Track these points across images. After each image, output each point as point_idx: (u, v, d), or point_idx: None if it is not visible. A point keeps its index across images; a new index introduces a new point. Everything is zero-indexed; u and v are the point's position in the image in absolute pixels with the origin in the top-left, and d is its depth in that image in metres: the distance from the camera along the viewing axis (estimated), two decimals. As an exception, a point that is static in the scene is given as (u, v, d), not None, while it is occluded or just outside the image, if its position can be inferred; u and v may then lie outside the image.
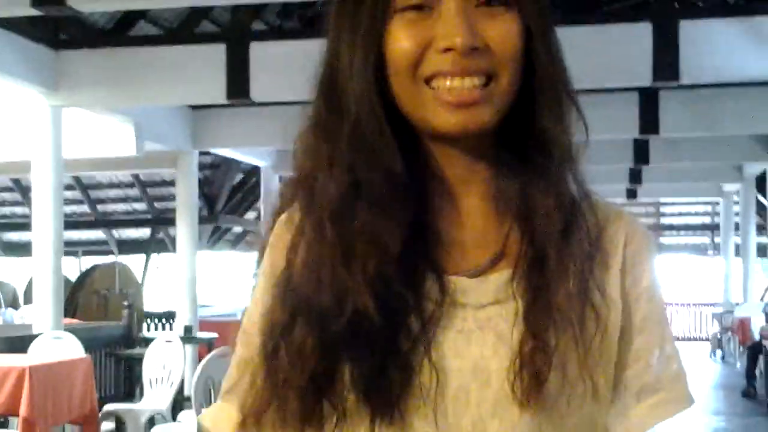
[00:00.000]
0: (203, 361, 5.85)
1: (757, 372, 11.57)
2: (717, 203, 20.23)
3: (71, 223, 18.04)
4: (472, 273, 1.00)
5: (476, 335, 0.98)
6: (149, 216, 17.21)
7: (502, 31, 0.97)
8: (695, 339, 20.67)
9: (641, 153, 12.65)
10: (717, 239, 20.67)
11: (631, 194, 16.70)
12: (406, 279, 0.96)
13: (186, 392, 8.22)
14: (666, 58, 7.49)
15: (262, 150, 13.37)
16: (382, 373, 0.94)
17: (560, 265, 0.97)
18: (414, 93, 0.97)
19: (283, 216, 1.06)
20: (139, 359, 7.75)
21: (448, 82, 0.96)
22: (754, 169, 15.22)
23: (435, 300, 0.97)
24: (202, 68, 8.24)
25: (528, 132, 1.00)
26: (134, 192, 16.84)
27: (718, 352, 17.16)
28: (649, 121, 10.25)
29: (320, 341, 0.94)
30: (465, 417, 0.96)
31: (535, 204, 0.99)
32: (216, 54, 8.12)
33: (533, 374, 0.94)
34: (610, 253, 1.02)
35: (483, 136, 0.99)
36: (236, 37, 8.33)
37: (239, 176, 16.48)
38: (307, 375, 0.94)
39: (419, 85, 0.97)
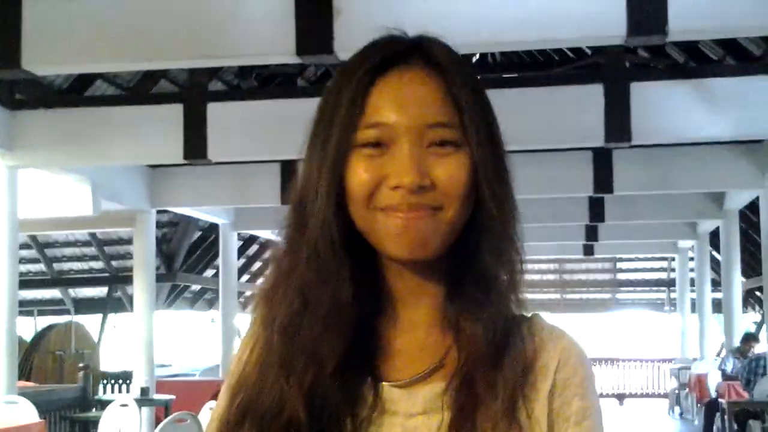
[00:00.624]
0: (159, 427, 5.80)
1: (715, 429, 11.63)
2: (672, 259, 20.46)
3: (26, 282, 17.88)
4: (407, 382, 1.07)
5: None
6: (106, 274, 17.05)
7: (449, 171, 1.05)
8: (653, 395, 20.67)
9: (597, 211, 12.80)
10: (673, 295, 20.88)
11: (588, 251, 16.87)
12: (343, 386, 1.05)
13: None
14: (618, 120, 7.61)
15: (221, 208, 13.36)
16: None
17: (489, 385, 1.04)
18: (369, 220, 1.06)
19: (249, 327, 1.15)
20: (94, 422, 7.64)
21: (397, 215, 1.04)
22: (707, 225, 15.43)
23: (368, 406, 1.06)
24: (160, 128, 8.24)
25: (469, 264, 1.09)
26: (91, 250, 16.70)
27: (677, 409, 17.23)
28: (603, 179, 10.39)
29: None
30: None
31: (467, 333, 1.07)
32: (173, 114, 8.13)
33: None
34: (540, 377, 1.08)
35: (432, 262, 1.07)
36: (194, 97, 8.36)
37: (197, 234, 16.42)
38: None
39: (373, 214, 1.06)
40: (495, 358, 1.06)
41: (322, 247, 1.07)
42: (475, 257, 1.08)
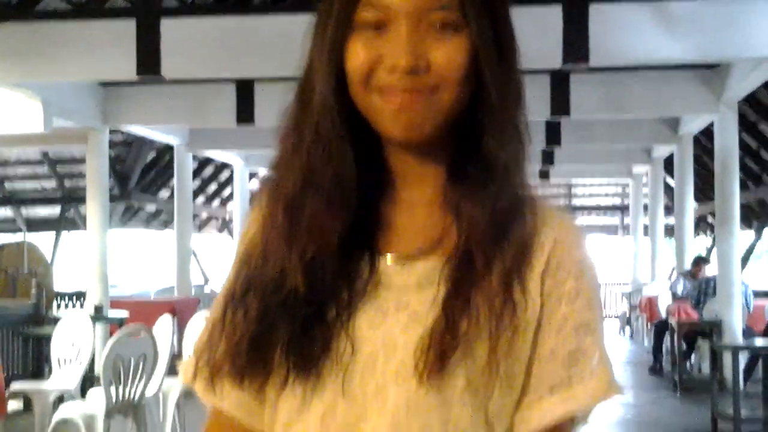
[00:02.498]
0: (112, 339, 5.79)
1: (664, 349, 11.87)
2: (627, 185, 20.66)
3: (-22, 201, 17.65)
4: (404, 257, 1.10)
5: (392, 314, 1.08)
6: (59, 194, 16.86)
7: (447, 54, 1.06)
8: (605, 317, 21.06)
9: (553, 134, 12.82)
10: (626, 220, 21.14)
11: (544, 175, 16.94)
12: (341, 260, 1.09)
13: (96, 372, 8.13)
14: (576, 41, 7.57)
15: (176, 128, 13.22)
16: (306, 337, 1.07)
17: (486, 262, 1.06)
18: (367, 101, 1.08)
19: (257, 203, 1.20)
20: (47, 338, 7.61)
21: (393, 96, 1.06)
22: (662, 151, 15.58)
23: (364, 279, 1.10)
24: (112, 44, 8.08)
25: (471, 146, 1.11)
26: (43, 170, 16.47)
27: (627, 330, 17.56)
28: (561, 103, 10.38)
29: (263, 309, 1.09)
30: (370, 383, 1.07)
31: (468, 213, 1.09)
32: (126, 29, 7.95)
33: (438, 354, 1.03)
34: (536, 255, 1.10)
35: (433, 144, 1.10)
36: (147, 12, 8.18)
37: (152, 154, 16.25)
38: (251, 333, 1.08)
39: (371, 95, 1.08)
40: (494, 237, 1.07)
41: (324, 127, 1.10)
42: (477, 139, 1.10)
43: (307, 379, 1.08)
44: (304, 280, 1.07)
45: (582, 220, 22.89)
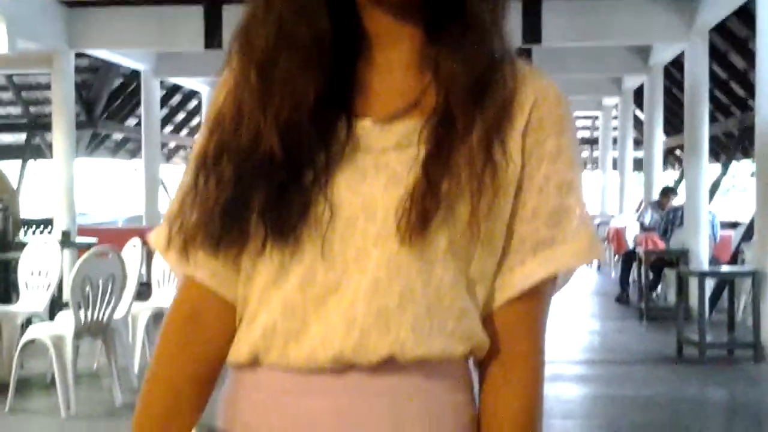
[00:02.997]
0: (80, 260, 5.73)
1: (630, 279, 11.97)
2: (596, 117, 20.68)
3: (-59, 127, 17.35)
4: (382, 118, 1.07)
5: (371, 175, 1.05)
6: (24, 121, 16.62)
7: None
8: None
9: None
10: (596, 153, 21.20)
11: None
12: (317, 122, 1.05)
13: (65, 297, 8.08)
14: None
15: (143, 53, 13.04)
16: (283, 201, 1.04)
17: (466, 121, 1.03)
18: None
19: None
20: (14, 263, 7.54)
21: None
22: (632, 82, 15.58)
23: (341, 142, 1.06)
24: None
25: (451, 7, 1.06)
26: (8, 95, 16.21)
27: (594, 262, 17.69)
28: (532, 30, 10.33)
29: (237, 174, 1.05)
30: (350, 246, 1.04)
31: (447, 71, 1.05)
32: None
33: (420, 214, 1.01)
34: (516, 115, 1.07)
35: (410, 3, 1.05)
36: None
37: (119, 81, 16.02)
38: (225, 198, 1.05)
39: None
40: (474, 96, 1.05)
41: None
42: None
43: (285, 244, 1.04)
44: (279, 143, 1.03)
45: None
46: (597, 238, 1.11)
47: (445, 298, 1.05)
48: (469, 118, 1.04)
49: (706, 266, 9.72)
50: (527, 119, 1.07)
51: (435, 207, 1.01)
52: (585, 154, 22.73)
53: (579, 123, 22.36)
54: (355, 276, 1.03)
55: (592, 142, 22.09)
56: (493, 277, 1.09)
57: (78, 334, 5.66)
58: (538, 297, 1.10)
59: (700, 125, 10.35)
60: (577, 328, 9.40)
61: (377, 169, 1.05)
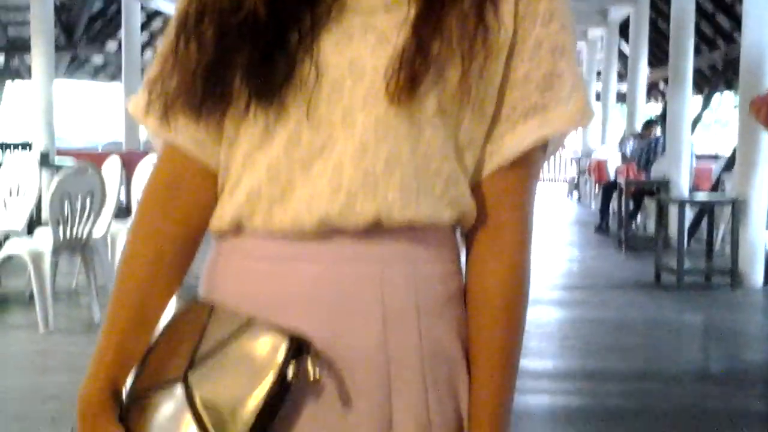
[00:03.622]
0: (58, 176, 5.68)
1: (611, 210, 12.02)
2: (580, 50, 20.55)
3: None
4: None
5: (358, 36, 1.01)
6: (3, 42, 16.38)
7: None
8: (554, 181, 21.40)
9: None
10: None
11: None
12: None
13: (43, 217, 8.03)
14: None
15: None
16: (267, 62, 1.00)
17: None
18: None
19: None
20: (-8, 181, 7.47)
21: None
22: (618, 13, 15.47)
23: (328, 2, 1.02)
24: None
25: None
26: (-15, 17, 15.97)
27: (575, 194, 17.76)
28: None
29: (219, 32, 1.01)
30: (337, 109, 1.01)
31: None
32: None
33: (409, 75, 0.98)
34: None
35: None
36: None
37: (99, 4, 15.79)
38: (207, 60, 1.02)
39: None
40: None
41: None
42: None
43: (269, 107, 1.02)
44: (263, 3, 1.00)
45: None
46: (590, 102, 1.08)
47: (433, 161, 1.02)
48: None
49: (686, 195, 9.75)
50: None
51: (425, 68, 0.98)
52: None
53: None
54: (342, 138, 1.01)
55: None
56: (483, 144, 1.06)
57: (56, 251, 5.64)
58: (527, 164, 1.07)
59: (685, 57, 10.31)
60: (556, 255, 9.45)
61: (365, 30, 1.01)
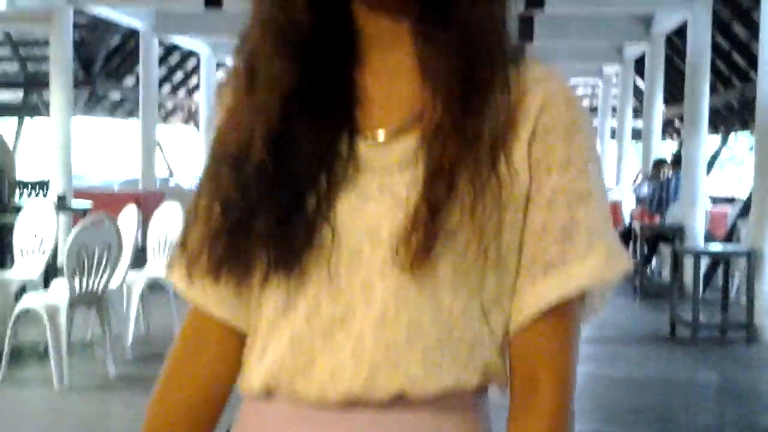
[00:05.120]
0: (76, 228, 5.70)
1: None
2: (596, 86, 20.59)
3: (-63, 83, 17.22)
4: (385, 133, 1.02)
5: (375, 198, 1.00)
6: (21, 78, 16.52)
7: None
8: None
9: (526, 30, 12.68)
10: (594, 122, 21.10)
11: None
12: (316, 137, 1.01)
13: (59, 262, 8.06)
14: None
15: (141, 11, 12.92)
16: (285, 228, 1.00)
17: (467, 137, 0.97)
18: None
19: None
20: (9, 228, 7.51)
21: None
22: (633, 50, 15.48)
23: (344, 161, 1.01)
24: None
25: (443, 9, 1.01)
26: (6, 52, 16.10)
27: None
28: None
29: (238, 194, 1.01)
30: (357, 275, 0.99)
31: (441, 72, 0.99)
32: None
33: (421, 242, 0.95)
34: (521, 122, 1.00)
35: (405, 3, 1.00)
36: None
37: (117, 39, 15.91)
38: (226, 225, 1.02)
39: None
40: (474, 107, 0.98)
41: None
42: None
43: (290, 273, 1.01)
44: (268, 152, 1.00)
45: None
46: (617, 249, 1.02)
47: (455, 328, 1.00)
48: (469, 134, 0.97)
49: (701, 242, 9.71)
50: (533, 126, 1.00)
51: (436, 234, 0.96)
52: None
53: (578, 91, 22.26)
54: (362, 308, 1.00)
55: (591, 110, 22.02)
56: (509, 299, 1.03)
57: (72, 304, 5.65)
58: (557, 320, 1.02)
59: (701, 97, 10.30)
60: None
61: (381, 191, 1.00)
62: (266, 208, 1.00)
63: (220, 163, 1.04)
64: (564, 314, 1.02)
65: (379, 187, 1.00)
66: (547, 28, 12.76)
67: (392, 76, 1.04)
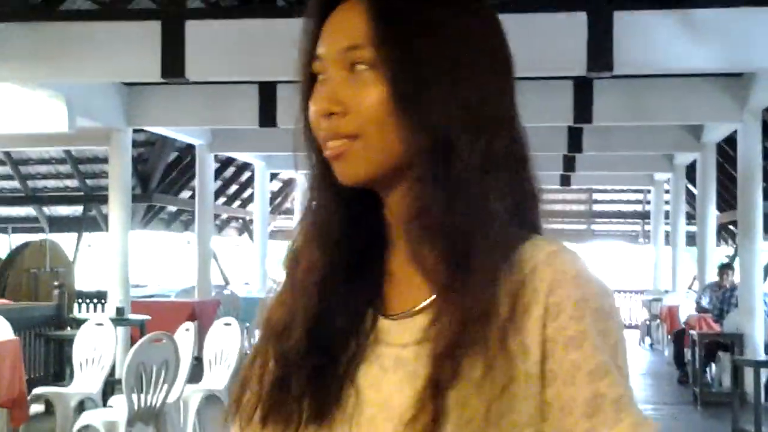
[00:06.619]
0: (135, 346, 5.79)
1: (685, 359, 11.78)
2: (648, 191, 20.55)
3: (0, 198, 17.71)
4: (404, 313, 1.08)
5: (391, 371, 1.06)
6: (81, 193, 16.92)
7: (357, 95, 1.02)
8: (625, 327, 20.70)
9: (575, 141, 12.81)
10: (647, 227, 21.02)
11: (565, 181, 16.90)
12: (346, 317, 1.09)
13: (117, 375, 8.14)
14: (600, 49, 7.56)
15: (198, 128, 13.25)
16: (318, 387, 1.07)
17: (470, 315, 1.00)
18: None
19: None
20: (69, 341, 7.63)
21: (325, 144, 1.06)
22: (684, 158, 15.49)
23: (367, 335, 1.09)
24: (137, 45, 8.11)
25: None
26: (66, 168, 16.54)
27: (647, 340, 17.41)
28: (583, 109, 10.38)
29: (278, 358, 1.10)
30: None
31: (447, 286, 1.03)
32: (151, 31, 7.99)
33: (428, 421, 0.98)
34: (532, 302, 1.01)
35: (406, 188, 1.05)
36: (172, 13, 8.21)
37: (174, 154, 16.28)
38: (270, 384, 1.10)
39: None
40: (471, 287, 1.01)
41: (314, 179, 1.12)
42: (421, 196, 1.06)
43: (320, 427, 1.08)
44: (306, 334, 1.08)
45: (602, 226, 22.78)
46: (643, 419, 1.01)
47: None
48: (474, 317, 1.00)
49: (761, 351, 9.53)
50: (545, 305, 1.01)
51: (443, 412, 0.98)
52: (637, 228, 22.54)
53: (631, 197, 22.23)
54: None
55: (644, 216, 21.94)
56: None
57: (131, 421, 5.70)
58: None
59: (754, 205, 10.26)
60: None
61: (396, 365, 1.05)
62: (303, 373, 1.08)
63: (269, 338, 1.13)
64: None
65: (396, 361, 1.05)
66: (595, 139, 12.86)
67: (410, 261, 1.08)
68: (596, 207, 22.60)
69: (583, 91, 10.28)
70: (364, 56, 1.02)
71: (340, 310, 1.09)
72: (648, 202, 21.07)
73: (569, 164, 15.03)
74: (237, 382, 1.17)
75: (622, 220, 22.88)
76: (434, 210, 1.02)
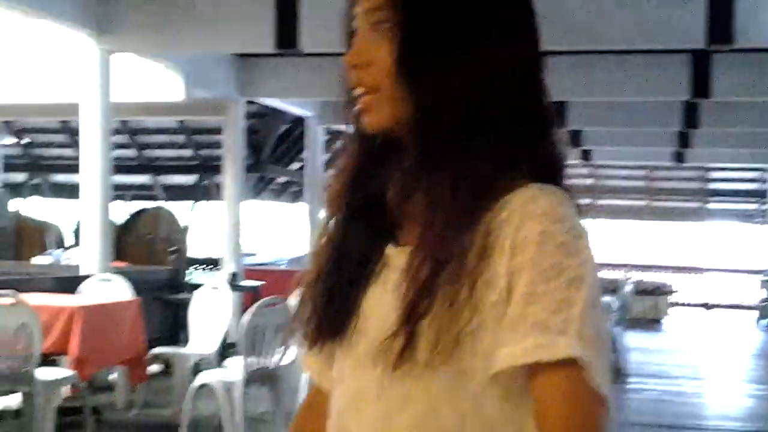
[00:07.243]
0: (252, 309, 5.90)
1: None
2: (765, 170, 19.95)
3: (118, 167, 18.15)
4: (403, 243, 1.21)
5: (389, 294, 1.16)
6: (195, 163, 17.27)
7: (378, 52, 1.16)
8: (741, 307, 19.88)
9: (691, 116, 12.48)
10: (764, 206, 20.42)
11: (679, 158, 16.52)
12: (365, 245, 1.23)
13: (231, 339, 8.32)
14: (720, 21, 7.36)
15: (307, 101, 13.36)
16: (340, 308, 1.22)
17: (447, 251, 1.11)
18: None
19: None
20: (185, 304, 7.83)
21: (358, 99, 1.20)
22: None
23: (380, 262, 1.22)
24: (251, 17, 8.21)
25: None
26: (180, 138, 16.89)
27: (764, 321, 16.85)
28: (701, 84, 10.11)
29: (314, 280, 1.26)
30: (366, 374, 1.18)
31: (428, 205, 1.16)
32: (265, 2, 8.08)
33: (402, 344, 1.10)
34: (502, 238, 1.10)
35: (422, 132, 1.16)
36: (287, -15, 8.26)
37: (284, 126, 16.46)
38: (313, 308, 1.24)
39: None
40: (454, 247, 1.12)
41: (348, 134, 1.27)
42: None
43: (339, 347, 1.23)
44: (333, 261, 1.23)
45: (717, 205, 22.17)
46: (553, 344, 1.06)
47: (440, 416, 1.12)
48: (450, 247, 1.10)
49: None
50: (512, 240, 1.09)
51: (412, 337, 1.09)
52: (753, 207, 21.87)
53: (747, 175, 21.54)
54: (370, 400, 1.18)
55: (761, 194, 21.29)
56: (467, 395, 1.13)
57: (247, 382, 5.83)
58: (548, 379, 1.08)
59: None
60: (738, 393, 9.03)
61: (394, 288, 1.15)
62: (323, 295, 1.24)
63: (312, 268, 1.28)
64: (555, 376, 1.07)
65: (395, 284, 1.15)
66: (714, 114, 12.51)
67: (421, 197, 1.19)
68: (711, 185, 21.99)
69: (701, 65, 10.01)
70: (383, 16, 1.16)
71: (359, 241, 1.23)
72: (765, 181, 20.46)
73: (684, 140, 14.68)
74: (298, 303, 1.30)
75: (737, 199, 22.22)
76: (417, 165, 1.15)
